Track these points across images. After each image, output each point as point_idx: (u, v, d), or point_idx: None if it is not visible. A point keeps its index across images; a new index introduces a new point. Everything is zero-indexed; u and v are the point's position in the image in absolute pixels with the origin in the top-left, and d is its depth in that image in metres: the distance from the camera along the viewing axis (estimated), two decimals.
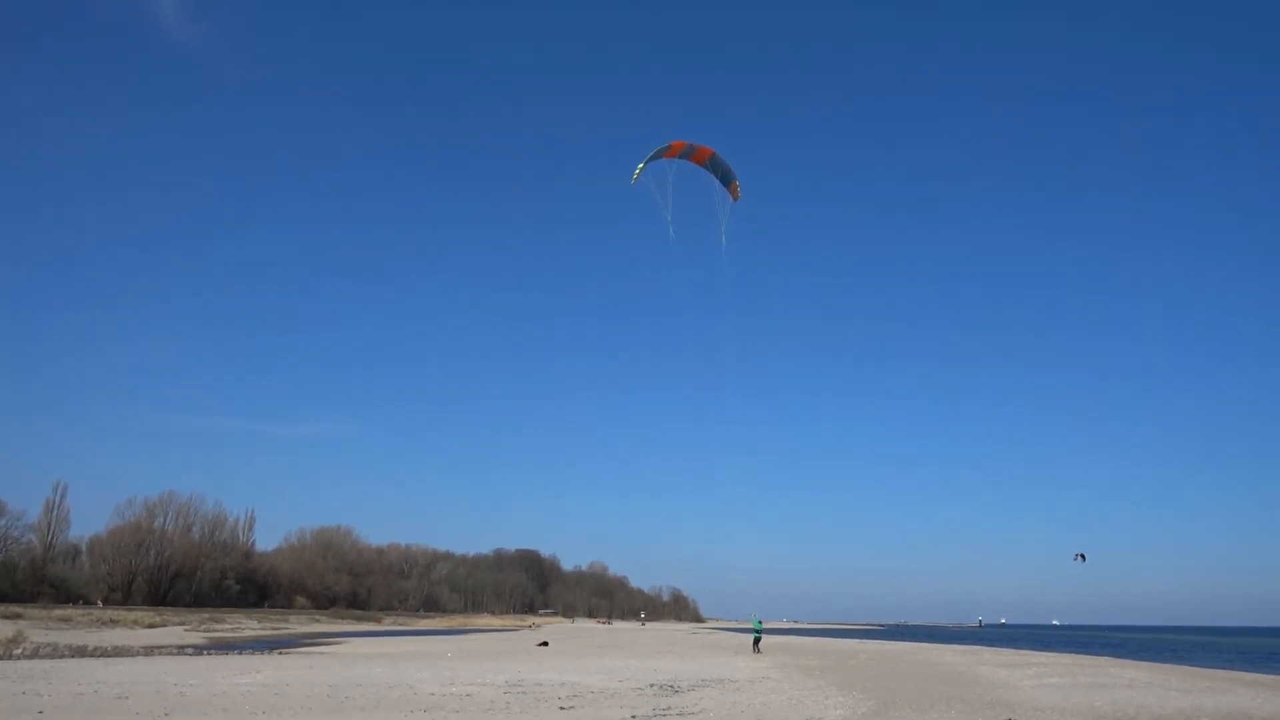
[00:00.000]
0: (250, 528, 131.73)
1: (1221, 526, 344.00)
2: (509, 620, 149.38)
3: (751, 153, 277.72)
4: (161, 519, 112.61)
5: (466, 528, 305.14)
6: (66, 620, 64.25)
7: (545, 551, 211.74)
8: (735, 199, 31.60)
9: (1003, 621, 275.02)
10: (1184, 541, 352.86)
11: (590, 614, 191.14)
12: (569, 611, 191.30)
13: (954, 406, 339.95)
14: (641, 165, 29.62)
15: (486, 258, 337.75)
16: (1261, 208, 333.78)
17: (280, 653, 45.16)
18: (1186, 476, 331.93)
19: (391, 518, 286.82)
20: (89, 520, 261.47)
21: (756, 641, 48.36)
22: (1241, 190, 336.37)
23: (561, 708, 18.89)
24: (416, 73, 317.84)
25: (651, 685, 24.49)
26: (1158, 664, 42.65)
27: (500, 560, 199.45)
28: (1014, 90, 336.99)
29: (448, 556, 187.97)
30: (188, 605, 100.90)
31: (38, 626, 57.41)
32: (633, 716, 17.44)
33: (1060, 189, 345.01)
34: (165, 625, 70.49)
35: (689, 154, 30.41)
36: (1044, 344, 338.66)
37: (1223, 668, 42.05)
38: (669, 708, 18.93)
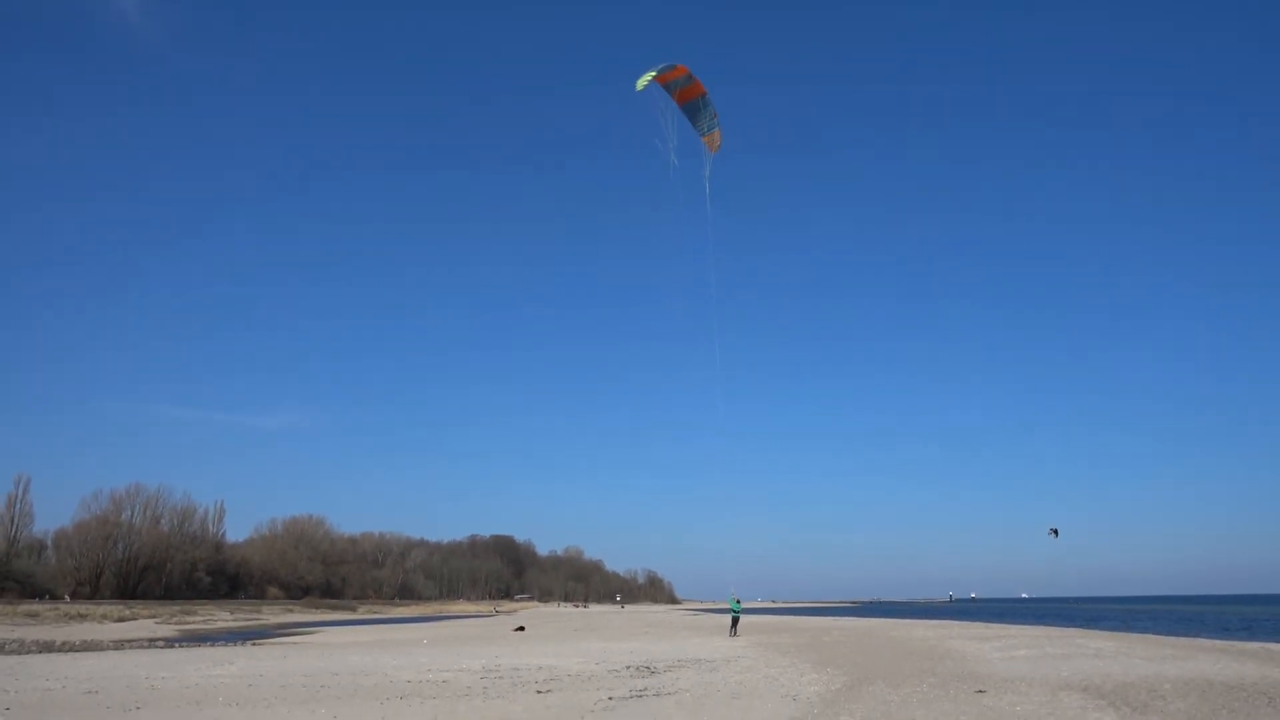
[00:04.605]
0: (220, 519, 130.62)
1: (1186, 499, 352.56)
2: (483, 606, 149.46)
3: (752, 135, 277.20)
4: (129, 512, 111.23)
5: (440, 515, 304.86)
6: (33, 616, 63.29)
7: (520, 537, 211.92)
8: (713, 151, 29.65)
9: (973, 596, 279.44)
10: (1148, 514, 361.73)
11: (566, 598, 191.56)
12: (545, 596, 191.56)
13: (925, 386, 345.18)
14: (652, 75, 27.37)
15: (456, 248, 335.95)
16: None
17: (254, 644, 44.83)
18: (1152, 450, 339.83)
19: (364, 507, 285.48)
20: (54, 515, 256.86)
21: (735, 622, 43.93)
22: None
23: (538, 691, 18.91)
24: (383, 66, 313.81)
25: (628, 667, 24.61)
26: (1123, 634, 43.51)
27: (475, 546, 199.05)
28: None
29: (422, 544, 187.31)
30: (158, 598, 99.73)
31: (2, 623, 56.54)
32: (609, 697, 17.49)
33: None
34: (135, 619, 69.67)
35: (685, 84, 28.47)
36: (1012, 322, 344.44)
37: (1184, 635, 43.04)
38: (645, 688, 19.02)
